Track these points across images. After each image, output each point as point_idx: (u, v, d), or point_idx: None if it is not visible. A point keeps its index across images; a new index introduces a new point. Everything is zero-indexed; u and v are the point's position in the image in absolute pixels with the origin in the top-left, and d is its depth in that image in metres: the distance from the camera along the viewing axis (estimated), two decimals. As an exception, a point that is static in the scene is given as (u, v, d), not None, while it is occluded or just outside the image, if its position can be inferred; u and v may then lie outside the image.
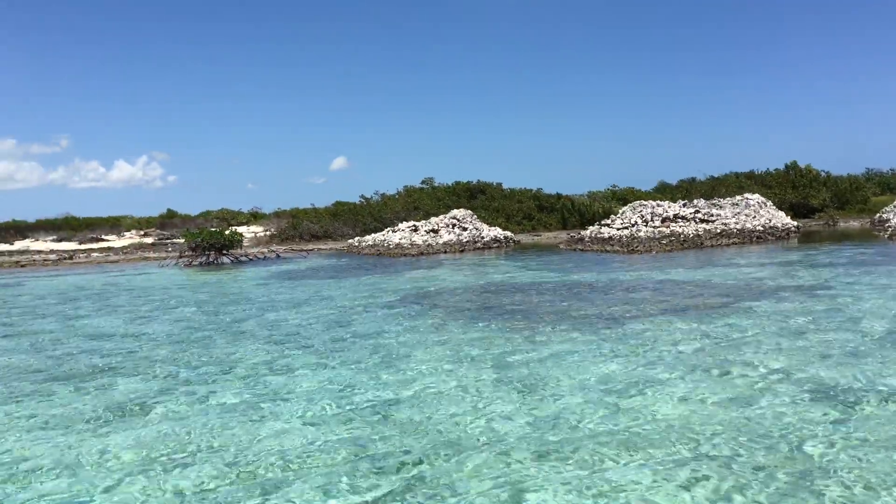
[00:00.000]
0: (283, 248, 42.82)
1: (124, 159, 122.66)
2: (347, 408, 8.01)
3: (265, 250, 39.87)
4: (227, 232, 34.00)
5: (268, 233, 54.51)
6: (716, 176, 59.73)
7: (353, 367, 10.02)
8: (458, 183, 55.16)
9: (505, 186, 55.07)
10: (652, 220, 34.52)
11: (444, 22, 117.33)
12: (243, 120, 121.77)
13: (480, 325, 13.03)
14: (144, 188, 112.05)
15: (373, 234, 42.70)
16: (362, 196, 56.18)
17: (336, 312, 15.45)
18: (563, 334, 11.68)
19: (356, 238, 43.96)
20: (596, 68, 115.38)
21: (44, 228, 68.48)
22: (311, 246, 44.77)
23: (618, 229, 34.63)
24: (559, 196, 53.85)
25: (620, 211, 38.77)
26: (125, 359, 11.24)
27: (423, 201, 51.32)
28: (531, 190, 54.21)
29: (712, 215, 35.52)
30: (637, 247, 30.24)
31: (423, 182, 56.87)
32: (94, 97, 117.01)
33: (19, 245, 60.82)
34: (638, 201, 39.81)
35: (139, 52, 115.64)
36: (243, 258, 34.87)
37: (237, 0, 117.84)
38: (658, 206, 36.95)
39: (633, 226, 34.61)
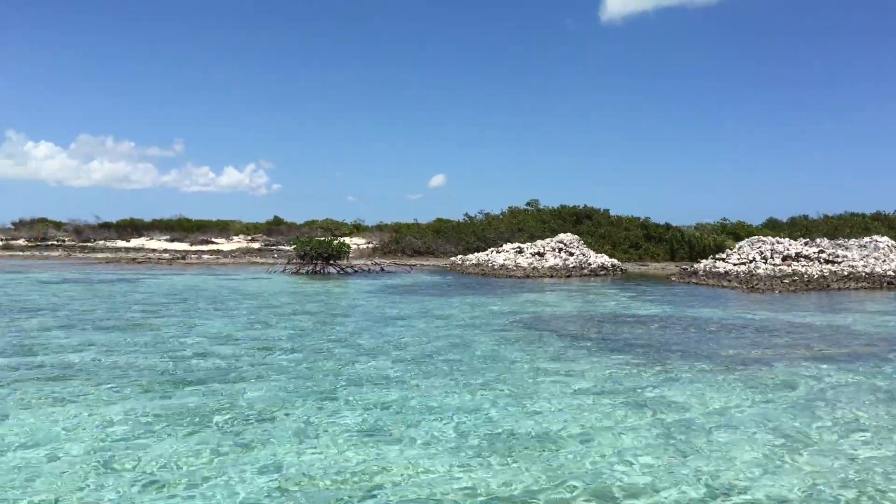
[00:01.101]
0: (387, 261, 42.96)
1: (233, 166, 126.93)
2: (474, 436, 7.50)
3: (369, 262, 40.05)
4: (334, 242, 34.22)
5: (370, 245, 54.98)
6: (830, 215, 56.96)
7: (478, 394, 9.51)
8: (563, 206, 54.26)
9: (612, 213, 53.80)
10: (772, 257, 32.81)
11: (552, 47, 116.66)
12: (347, 134, 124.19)
13: (607, 357, 12.32)
14: (250, 195, 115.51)
15: (476, 254, 42.33)
16: (466, 214, 56.00)
17: (451, 333, 15.01)
18: (702, 375, 10.86)
19: (459, 256, 43.70)
20: (706, 100, 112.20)
21: (158, 228, 71.23)
22: (413, 261, 44.79)
23: (734, 265, 33.09)
24: (668, 226, 52.21)
25: (737, 246, 37.08)
26: (247, 365, 11.08)
27: (527, 223, 50.65)
28: (639, 218, 52.74)
29: (838, 256, 33.49)
30: (757, 284, 28.71)
31: (527, 204, 56.23)
32: (208, 105, 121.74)
33: (135, 242, 63.46)
34: (755, 237, 38.01)
35: (252, 64, 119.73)
36: (349, 269, 35.06)
37: (347, 19, 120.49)
38: (778, 242, 35.15)
39: (750, 262, 32.99)
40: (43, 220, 71.60)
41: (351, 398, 9.10)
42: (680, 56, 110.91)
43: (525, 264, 37.00)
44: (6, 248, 55.48)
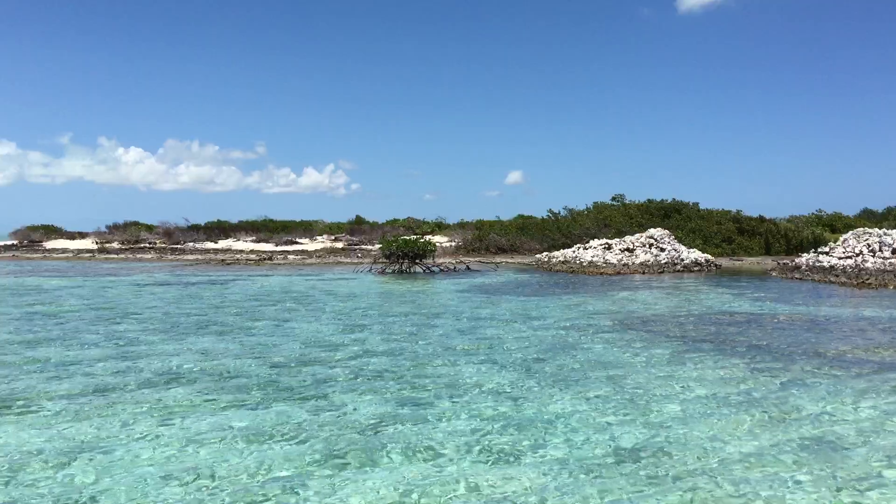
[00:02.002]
0: (471, 259, 42.46)
1: (313, 167, 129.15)
2: (598, 451, 6.85)
3: (455, 261, 39.64)
4: (420, 241, 33.91)
5: (453, 243, 54.61)
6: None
7: (595, 402, 8.85)
8: (650, 201, 52.72)
9: (701, 206, 51.97)
10: (881, 250, 30.88)
11: (628, 38, 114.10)
12: (424, 133, 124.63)
13: (727, 360, 11.46)
14: (329, 194, 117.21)
15: (562, 250, 41.41)
16: (550, 211, 55.04)
17: (553, 334, 14.35)
18: (838, 381, 9.92)
19: (544, 253, 42.86)
20: (798, 89, 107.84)
21: (244, 229, 72.56)
22: (498, 259, 44.17)
23: (840, 258, 31.30)
24: (762, 219, 50.13)
25: (840, 238, 35.12)
26: (347, 372, 10.69)
27: (613, 218, 49.38)
28: (730, 211, 50.79)
29: (955, 248, 31.28)
30: (867, 279, 26.99)
31: (613, 198, 54.90)
32: (289, 108, 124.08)
33: (223, 244, 64.75)
34: (860, 229, 35.92)
35: (330, 68, 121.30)
36: (434, 268, 34.69)
37: (421, 21, 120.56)
38: (886, 234, 33.09)
39: (857, 255, 31.15)
40: (135, 223, 73.90)
41: (461, 409, 8.57)
42: (762, 45, 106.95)
43: (615, 261, 35.93)
44: (102, 250, 57.32)
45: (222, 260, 44.37)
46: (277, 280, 29.78)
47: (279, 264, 42.00)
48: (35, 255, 52.67)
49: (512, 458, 6.81)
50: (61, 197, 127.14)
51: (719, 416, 8.22)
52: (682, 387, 9.70)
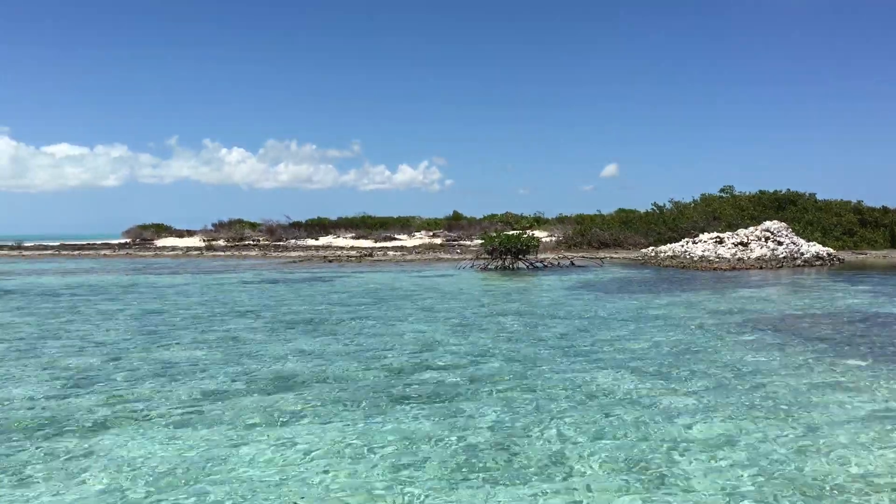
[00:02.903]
0: (573, 254, 41.37)
1: (407, 163, 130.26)
2: (763, 481, 5.96)
3: (557, 256, 38.66)
4: (523, 236, 33.11)
5: (553, 238, 53.54)
6: None
7: (743, 419, 7.92)
8: (762, 192, 50.25)
9: (818, 197, 49.18)
10: None
11: (736, 27, 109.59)
12: (517, 127, 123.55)
13: (888, 368, 10.26)
14: (423, 190, 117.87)
15: (670, 245, 39.85)
16: (654, 204, 53.23)
17: (678, 337, 13.36)
18: None
19: (650, 248, 41.36)
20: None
21: (343, 226, 73.37)
22: (601, 254, 42.90)
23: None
24: (885, 210, 47.00)
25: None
26: (465, 376, 10.06)
27: (723, 211, 47.25)
28: (850, 202, 47.86)
29: None
30: None
31: (721, 190, 52.62)
32: (383, 106, 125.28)
33: (323, 241, 65.62)
34: None
35: (422, 67, 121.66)
36: (538, 264, 33.83)
37: (512, 19, 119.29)
38: None
39: None
40: (239, 221, 75.74)
41: (596, 420, 7.79)
42: (879, 30, 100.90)
43: (728, 255, 34.22)
44: (209, 248, 58.92)
45: (324, 257, 44.74)
46: (380, 277, 29.58)
47: (379, 261, 42.01)
48: (147, 253, 54.57)
49: (666, 483, 6.02)
50: (169, 196, 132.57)
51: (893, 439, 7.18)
52: (835, 400, 8.64)
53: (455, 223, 72.10)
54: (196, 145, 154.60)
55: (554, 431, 7.45)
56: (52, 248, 61.83)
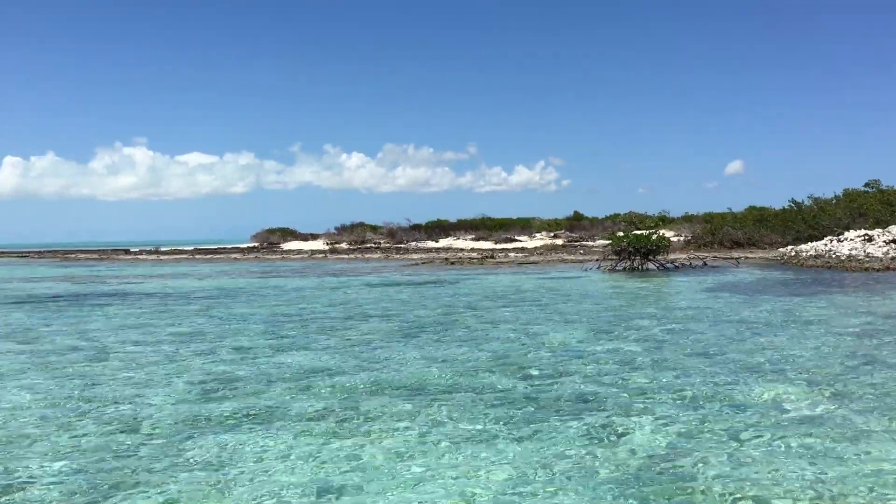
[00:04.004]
0: (705, 254, 39.41)
1: (523, 164, 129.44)
2: None
3: (688, 256, 36.92)
4: (653, 236, 31.71)
5: (680, 238, 51.45)
6: None
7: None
8: (915, 185, 46.40)
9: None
10: None
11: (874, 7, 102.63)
12: (635, 126, 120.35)
13: None
14: (540, 191, 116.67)
15: (811, 243, 37.37)
16: (791, 200, 50.14)
17: (849, 342, 12.05)
18: None
19: (789, 247, 38.94)
20: None
21: (462, 228, 73.27)
22: (734, 254, 40.70)
23: None
24: None
25: None
26: (614, 389, 9.25)
27: (869, 206, 43.89)
28: None
29: None
30: None
31: (866, 185, 48.99)
32: (498, 108, 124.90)
33: (443, 243, 65.74)
34: None
35: (537, 67, 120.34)
36: (669, 265, 32.33)
37: (633, 17, 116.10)
38: None
39: None
40: (361, 224, 77.01)
41: (775, 444, 6.85)
42: None
43: (879, 254, 31.66)
44: (333, 251, 60.09)
45: (445, 258, 44.56)
46: (504, 279, 28.96)
47: (501, 262, 41.42)
48: (274, 256, 56.16)
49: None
50: (293, 201, 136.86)
51: None
52: None
53: (576, 223, 70.69)
54: (317, 151, 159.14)
55: (720, 455, 6.57)
56: (187, 252, 64.69)
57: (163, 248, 72.98)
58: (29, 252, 78.62)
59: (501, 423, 7.74)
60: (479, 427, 7.58)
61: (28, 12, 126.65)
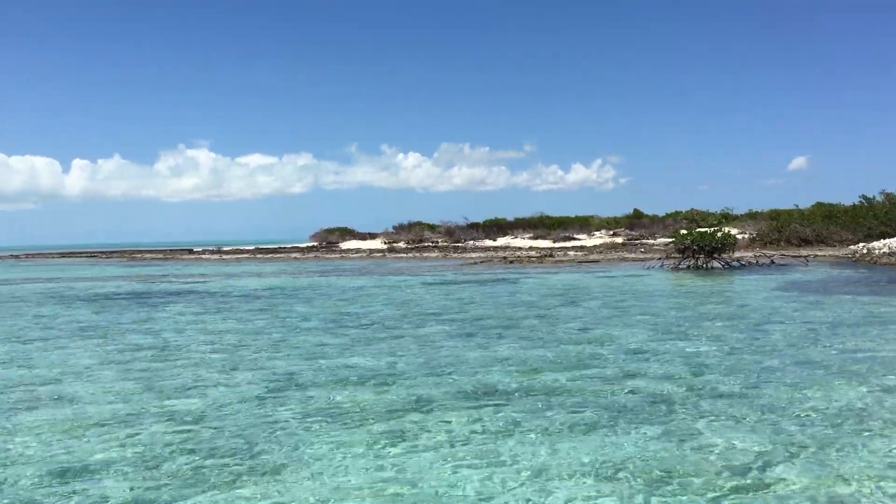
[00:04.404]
0: (771, 252, 38.30)
1: (580, 163, 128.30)
2: None
3: (755, 255, 35.92)
4: (718, 234, 30.92)
5: (745, 235, 50.17)
6: None
7: None
8: None
9: None
10: None
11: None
12: (695, 123, 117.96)
13: None
14: (597, 190, 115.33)
15: (885, 240, 35.97)
16: (863, 196, 48.47)
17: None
18: None
19: (860, 244, 37.58)
20: None
21: (520, 226, 72.76)
22: (802, 251, 39.47)
23: None
24: None
25: None
26: (682, 389, 8.92)
27: (947, 201, 42.19)
28: None
29: None
30: None
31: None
32: (555, 106, 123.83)
33: (501, 241, 65.40)
34: None
35: (595, 66, 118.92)
36: (734, 263, 31.49)
37: (690, 14, 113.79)
38: None
39: None
40: (419, 223, 77.09)
41: (859, 450, 6.47)
42: None
43: (959, 251, 30.28)
44: (391, 250, 60.33)
45: (504, 257, 44.28)
46: (565, 277, 28.58)
47: (560, 261, 40.98)
48: (333, 256, 56.64)
49: None
50: (350, 201, 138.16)
51: None
52: None
53: (636, 221, 69.51)
54: (374, 151, 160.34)
55: (804, 462, 6.23)
56: (248, 252, 65.70)
57: (225, 248, 74.33)
58: (97, 253, 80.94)
59: (571, 425, 7.50)
60: (548, 430, 7.36)
61: (100, 21, 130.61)
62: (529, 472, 6.17)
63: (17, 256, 77.53)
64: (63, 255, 78.34)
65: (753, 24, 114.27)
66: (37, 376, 10.65)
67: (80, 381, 10.21)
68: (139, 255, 67.76)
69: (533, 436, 7.20)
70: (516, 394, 9.01)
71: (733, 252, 32.64)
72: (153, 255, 66.42)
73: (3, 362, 11.95)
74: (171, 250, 76.12)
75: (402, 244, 66.08)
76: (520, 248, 55.76)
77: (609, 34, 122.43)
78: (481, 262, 42.09)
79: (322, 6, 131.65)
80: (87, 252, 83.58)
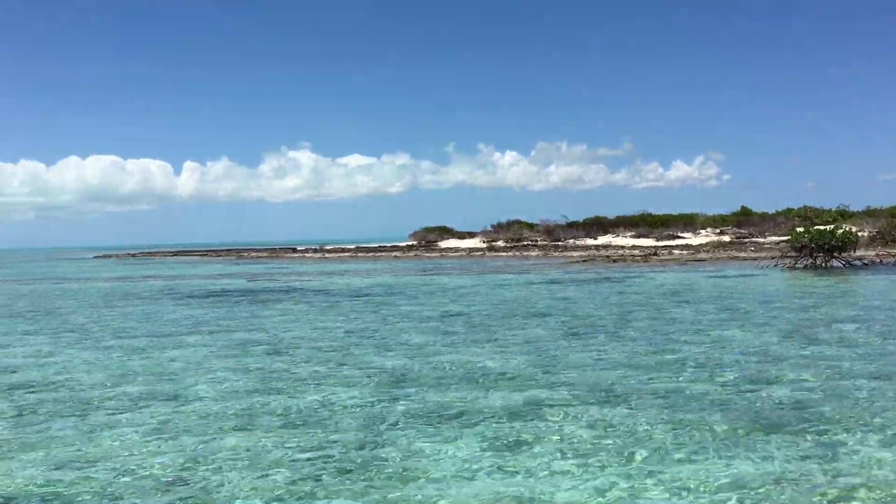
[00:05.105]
0: (896, 251, 36.02)
1: (681, 159, 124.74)
2: None
3: (878, 253, 33.84)
4: (839, 231, 29.23)
5: (864, 233, 47.44)
6: None
7: None
8: None
9: None
10: None
11: None
12: (802, 119, 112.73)
13: None
14: (699, 187, 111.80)
15: None
16: None
17: None
18: None
19: None
20: None
21: (621, 225, 71.16)
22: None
23: None
24: None
25: None
26: (825, 401, 8.23)
27: None
28: None
29: None
30: None
31: None
32: (654, 103, 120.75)
33: (602, 240, 64.14)
34: None
35: (694, 60, 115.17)
36: (856, 262, 29.71)
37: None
38: None
39: None
40: (517, 222, 76.46)
41: None
42: None
43: None
44: (490, 248, 60.07)
45: (607, 256, 43.32)
46: (673, 277, 27.60)
47: (666, 260, 39.76)
48: (433, 254, 56.84)
49: None
50: (447, 200, 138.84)
51: None
52: None
53: (744, 219, 66.82)
54: (471, 151, 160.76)
55: None
56: (350, 250, 66.76)
57: (327, 247, 75.75)
58: (207, 251, 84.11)
59: (705, 434, 6.99)
60: (680, 439, 6.88)
61: (207, 34, 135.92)
62: (664, 488, 5.72)
63: (133, 255, 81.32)
64: (175, 253, 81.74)
65: (860, 12, 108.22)
66: (156, 371, 10.86)
67: (197, 377, 10.34)
68: (246, 254, 69.91)
69: (662, 444, 6.73)
70: (635, 396, 8.53)
71: (854, 251, 30.79)
72: (259, 254, 68.38)
73: (126, 356, 12.28)
74: (275, 249, 78.21)
75: (501, 243, 65.70)
76: (622, 247, 54.49)
77: (709, 28, 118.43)
78: (583, 261, 41.29)
79: (420, 9, 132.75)
80: (197, 251, 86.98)
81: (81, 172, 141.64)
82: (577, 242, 62.41)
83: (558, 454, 6.53)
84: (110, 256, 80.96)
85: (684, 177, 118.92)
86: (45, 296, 26.86)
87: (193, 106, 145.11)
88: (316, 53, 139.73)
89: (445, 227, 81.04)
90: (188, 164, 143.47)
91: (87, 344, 13.79)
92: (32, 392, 9.57)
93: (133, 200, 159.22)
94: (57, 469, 6.39)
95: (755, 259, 35.93)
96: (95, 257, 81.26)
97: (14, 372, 11.07)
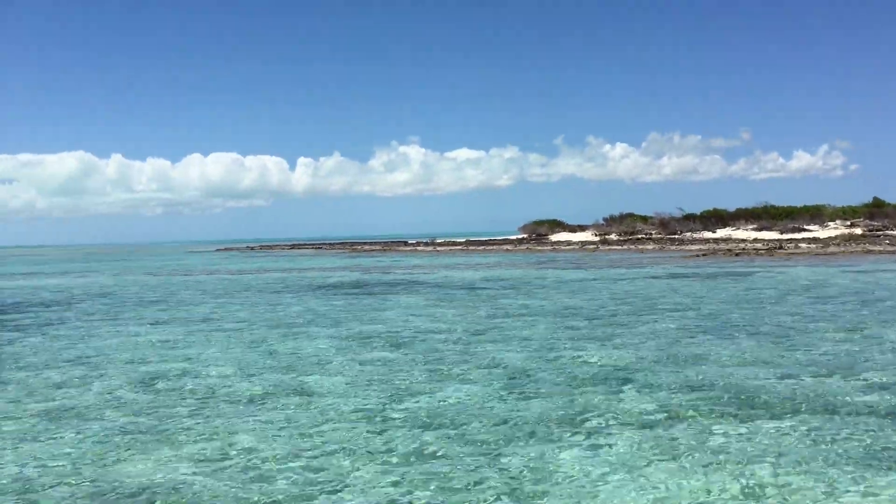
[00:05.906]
0: None
1: (803, 149, 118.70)
2: None
3: None
4: None
5: None
6: None
7: None
8: None
9: None
10: None
11: None
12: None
13: None
14: (823, 177, 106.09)
15: None
16: None
17: None
18: None
19: None
20: None
21: (742, 217, 68.31)
22: None
23: None
24: None
25: None
26: None
27: None
28: None
29: None
30: None
31: None
32: (774, 91, 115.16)
33: (721, 233, 61.77)
34: None
35: (815, 48, 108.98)
36: None
37: None
38: None
39: None
40: (630, 215, 74.71)
41: None
42: None
43: None
44: (604, 242, 58.87)
45: (728, 249, 41.59)
46: (803, 272, 26.08)
47: (793, 253, 37.80)
48: (544, 248, 56.20)
49: None
50: (556, 193, 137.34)
51: None
52: None
53: (876, 211, 62.75)
54: (580, 143, 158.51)
55: None
56: (461, 244, 66.94)
57: (438, 240, 76.25)
58: (321, 244, 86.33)
59: (873, 455, 6.33)
60: (848, 456, 6.26)
61: (318, 38, 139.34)
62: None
63: (252, 248, 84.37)
64: (292, 246, 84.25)
65: None
66: (278, 365, 10.92)
67: (318, 373, 10.30)
68: (359, 247, 71.29)
69: (823, 464, 6.10)
70: (788, 404, 7.85)
71: None
72: (372, 247, 69.56)
73: (248, 348, 12.47)
74: (388, 242, 79.40)
75: (614, 236, 64.36)
76: (743, 240, 52.27)
77: (828, 12, 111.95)
78: (703, 254, 39.77)
79: (529, 3, 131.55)
80: (312, 244, 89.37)
81: (204, 169, 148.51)
82: (695, 235, 60.34)
83: (701, 467, 6.03)
84: (232, 249, 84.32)
85: (807, 167, 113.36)
86: (175, 287, 27.99)
87: (308, 102, 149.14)
88: (423, 50, 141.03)
89: (556, 220, 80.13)
90: (302, 160, 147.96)
91: (215, 337, 14.11)
92: (163, 382, 9.78)
93: (251, 195, 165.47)
94: (191, 462, 6.39)
95: (892, 253, 33.60)
96: (218, 250, 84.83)
97: (144, 363, 11.40)
